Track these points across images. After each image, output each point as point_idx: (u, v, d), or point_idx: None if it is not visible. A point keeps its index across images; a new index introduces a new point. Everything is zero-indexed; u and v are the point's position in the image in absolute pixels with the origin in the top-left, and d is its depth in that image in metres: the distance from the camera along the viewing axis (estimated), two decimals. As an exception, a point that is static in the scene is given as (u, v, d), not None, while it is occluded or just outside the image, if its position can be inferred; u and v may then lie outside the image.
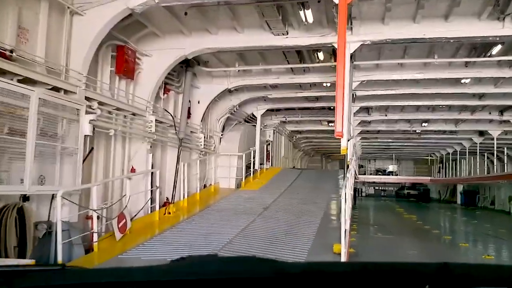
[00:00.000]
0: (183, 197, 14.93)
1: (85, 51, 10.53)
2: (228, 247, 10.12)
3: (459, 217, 35.72)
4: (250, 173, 20.62)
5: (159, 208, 13.40)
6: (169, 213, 13.50)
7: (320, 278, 1.35)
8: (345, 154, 13.76)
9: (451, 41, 12.79)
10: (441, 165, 49.53)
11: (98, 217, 10.84)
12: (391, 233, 20.99)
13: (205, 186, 18.09)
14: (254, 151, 21.53)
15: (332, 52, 15.22)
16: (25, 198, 9.00)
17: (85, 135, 10.36)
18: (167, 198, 15.07)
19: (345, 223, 9.43)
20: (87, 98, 10.68)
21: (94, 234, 10.07)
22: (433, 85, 18.90)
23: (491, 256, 14.35)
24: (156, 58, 13.73)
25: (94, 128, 10.66)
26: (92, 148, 11.53)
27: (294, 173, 23.33)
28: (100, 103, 11.33)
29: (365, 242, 16.73)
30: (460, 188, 48.08)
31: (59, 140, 9.77)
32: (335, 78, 16.63)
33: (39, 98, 8.80)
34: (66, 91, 10.04)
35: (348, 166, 13.93)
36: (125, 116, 12.74)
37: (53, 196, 9.52)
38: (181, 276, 1.38)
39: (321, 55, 15.45)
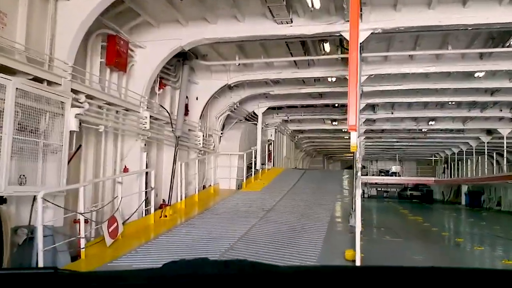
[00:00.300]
0: (181, 198, 14.17)
1: (71, 39, 9.58)
2: (229, 253, 9.29)
3: (465, 218, 34.80)
4: (252, 174, 19.79)
5: (155, 211, 12.52)
6: (165, 216, 12.73)
7: (311, 282, 1.33)
8: (353, 152, 12.87)
9: (469, 28, 11.81)
10: (445, 165, 48.63)
11: (86, 221, 9.99)
12: (399, 236, 20.04)
13: (204, 187, 17.23)
14: (256, 151, 20.68)
15: (339, 43, 14.33)
16: (2, 200, 8.04)
17: (70, 131, 9.40)
18: (163, 200, 14.19)
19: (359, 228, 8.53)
20: (73, 91, 9.73)
21: (81, 239, 9.15)
22: (443, 80, 18.00)
23: (511, 261, 13.38)
24: (151, 49, 12.81)
25: (80, 123, 9.70)
26: (80, 146, 10.58)
27: (297, 174, 22.46)
28: (89, 97, 10.40)
29: (373, 246, 15.73)
30: (464, 189, 47.18)
31: (41, 136, 8.83)
32: (341, 72, 15.94)
33: (17, 88, 7.86)
34: (49, 82, 9.09)
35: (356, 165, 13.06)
36: (117, 111, 11.80)
37: (35, 198, 8.59)
38: (173, 280, 1.38)
39: (327, 47, 14.46)
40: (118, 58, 11.58)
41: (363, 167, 51.42)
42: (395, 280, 1.35)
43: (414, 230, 23.10)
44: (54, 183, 9.12)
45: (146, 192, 12.44)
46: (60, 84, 9.28)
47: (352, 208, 12.72)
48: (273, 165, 25.48)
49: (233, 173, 18.75)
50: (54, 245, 8.63)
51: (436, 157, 51.29)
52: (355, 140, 11.27)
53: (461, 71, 16.27)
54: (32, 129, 8.57)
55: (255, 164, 20.60)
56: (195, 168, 15.58)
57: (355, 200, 12.70)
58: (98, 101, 10.85)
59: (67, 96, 9.32)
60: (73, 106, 9.47)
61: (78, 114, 9.46)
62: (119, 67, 11.82)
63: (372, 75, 15.81)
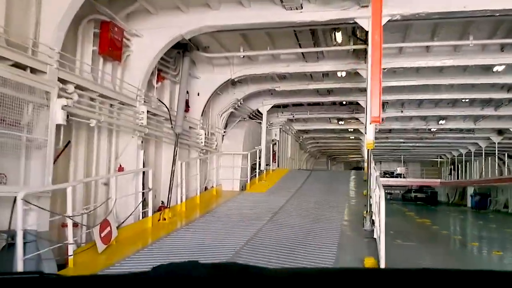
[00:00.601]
0: (181, 200, 13.19)
1: (57, 22, 8.60)
2: (234, 260, 8.25)
3: (474, 221, 34.01)
4: (256, 175, 18.79)
5: (152, 214, 11.57)
6: (164, 219, 11.83)
7: (303, 284, 1.31)
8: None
9: (496, 15, 10.79)
10: (452, 167, 47.79)
11: (76, 225, 9.02)
12: (410, 240, 19.12)
13: (206, 188, 16.23)
14: (260, 151, 19.70)
15: (351, 33, 13.31)
16: (-23, 201, 7.08)
17: (57, 124, 8.41)
18: (162, 202, 13.23)
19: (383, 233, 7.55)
20: (61, 80, 8.76)
21: (69, 245, 8.15)
22: (459, 75, 17.01)
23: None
24: (148, 38, 11.81)
25: (68, 116, 8.71)
26: (69, 142, 9.60)
27: (303, 175, 21.46)
28: (80, 88, 9.43)
29: (386, 251, 14.85)
30: (470, 190, 46.37)
31: (23, 129, 7.86)
32: (353, 65, 14.97)
33: (-8, 73, 6.90)
34: (33, 70, 8.12)
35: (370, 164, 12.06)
36: (111, 105, 10.82)
37: (16, 199, 7.60)
38: (162, 283, 1.34)
39: (339, 36, 13.40)
40: (112, 47, 10.59)
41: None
42: (386, 282, 1.32)
43: (424, 234, 22.28)
44: (39, 182, 8.16)
45: (143, 193, 11.48)
46: (45, 72, 8.30)
47: (367, 211, 11.73)
48: (278, 166, 24.52)
49: (237, 173, 17.78)
50: (38, 252, 7.67)
51: (442, 158, 50.58)
52: (372, 136, 10.31)
53: (480, 64, 15.26)
54: (12, 122, 7.62)
55: (259, 164, 19.63)
56: (197, 168, 14.57)
57: (369, 203, 11.79)
58: (89, 93, 9.88)
59: (52, 85, 8.34)
60: (59, 96, 8.49)
61: (65, 105, 8.47)
62: (113, 56, 10.84)
63: (385, 68, 14.77)
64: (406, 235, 20.82)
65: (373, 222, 10.98)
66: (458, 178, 44.24)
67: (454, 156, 45.05)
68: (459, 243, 19.43)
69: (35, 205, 7.67)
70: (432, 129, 29.85)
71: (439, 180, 49.03)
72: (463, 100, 22.39)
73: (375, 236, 9.69)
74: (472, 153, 37.63)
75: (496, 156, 32.50)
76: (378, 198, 9.35)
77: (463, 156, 40.70)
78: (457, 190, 52.87)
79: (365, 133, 11.00)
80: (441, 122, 27.41)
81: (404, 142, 37.50)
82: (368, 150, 11.74)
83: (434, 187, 52.65)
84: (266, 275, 1.38)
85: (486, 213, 38.78)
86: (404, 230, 23.21)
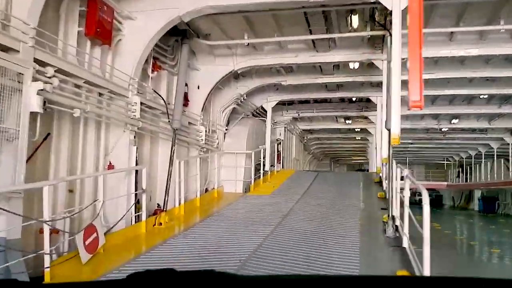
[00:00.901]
0: (179, 203, 12.05)
1: (33, -8, 7.35)
2: (242, 272, 7.03)
3: (484, 225, 33.09)
4: (260, 175, 17.62)
5: (147, 218, 10.37)
6: (160, 224, 10.69)
7: None
8: (389, 147, 10.65)
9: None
10: (460, 169, 46.79)
11: (57, 231, 7.76)
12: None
13: (206, 190, 15.07)
14: (265, 150, 18.54)
15: (369, 17, 12.04)
16: None
17: (31, 112, 7.16)
18: (158, 205, 12.10)
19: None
20: (39, 62, 7.51)
21: (45, 255, 6.87)
22: (481, 67, 15.76)
23: None
24: (142, 21, 10.57)
25: (45, 103, 7.44)
26: (49, 134, 8.34)
27: (309, 176, 20.23)
28: (62, 72, 8.17)
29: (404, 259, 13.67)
30: (478, 194, 45.32)
31: (-10, 118, 6.61)
32: (368, 56, 13.71)
33: None
34: (3, 47, 6.88)
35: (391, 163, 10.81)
36: (100, 94, 9.56)
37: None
38: None
39: (355, 20, 12.03)
40: (100, 28, 9.32)
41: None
42: None
43: (438, 238, 21.05)
44: (9, 181, 6.89)
45: (136, 194, 10.29)
46: (18, 51, 7.05)
47: (388, 216, 10.46)
48: (282, 167, 23.33)
49: (240, 174, 16.64)
50: (7, 264, 6.42)
51: (449, 160, 49.72)
52: (398, 130, 9.02)
53: (507, 54, 13.96)
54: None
55: (264, 165, 18.45)
56: (197, 167, 13.37)
57: (390, 206, 10.54)
58: (74, 79, 8.63)
59: (27, 66, 7.07)
60: (35, 80, 7.23)
61: (41, 90, 7.21)
62: (102, 39, 9.57)
63: (404, 58, 13.51)
64: (418, 240, 19.65)
65: (396, 228, 9.75)
66: (466, 180, 43.22)
67: (462, 158, 44.12)
68: (478, 249, 18.30)
69: (2, 208, 6.39)
70: (443, 129, 28.82)
71: (445, 183, 48.10)
72: (481, 97, 21.22)
73: (404, 245, 8.42)
74: (483, 155, 36.57)
75: (510, 159, 31.26)
76: (406, 200, 8.11)
77: (472, 158, 39.67)
78: (463, 193, 51.98)
79: (387, 127, 9.74)
80: (453, 121, 26.38)
81: (412, 143, 36.33)
82: (389, 147, 10.48)
83: (439, 190, 51.70)
84: (242, 281, 1.36)
85: (495, 217, 37.86)
86: (414, 234, 22.04)
